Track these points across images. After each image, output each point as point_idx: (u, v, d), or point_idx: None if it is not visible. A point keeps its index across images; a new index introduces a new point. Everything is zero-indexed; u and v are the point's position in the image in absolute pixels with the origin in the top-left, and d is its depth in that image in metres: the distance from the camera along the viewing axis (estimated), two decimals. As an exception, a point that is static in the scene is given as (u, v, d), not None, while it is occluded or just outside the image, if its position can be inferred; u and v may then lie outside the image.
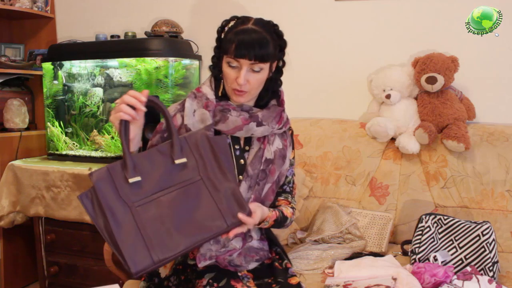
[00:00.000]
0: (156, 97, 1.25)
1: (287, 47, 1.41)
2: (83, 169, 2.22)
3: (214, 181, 1.21)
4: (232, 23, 1.36)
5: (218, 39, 1.39)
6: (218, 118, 1.35)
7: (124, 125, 1.17)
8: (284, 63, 1.43)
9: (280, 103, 1.45)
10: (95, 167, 2.24)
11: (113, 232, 1.12)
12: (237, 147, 1.41)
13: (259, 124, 1.37)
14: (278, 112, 1.42)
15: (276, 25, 1.38)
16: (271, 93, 1.42)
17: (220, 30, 1.38)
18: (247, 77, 1.31)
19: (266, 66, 1.33)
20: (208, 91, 1.40)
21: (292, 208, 1.47)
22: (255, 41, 1.28)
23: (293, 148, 1.52)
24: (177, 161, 1.20)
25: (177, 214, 1.16)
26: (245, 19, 1.35)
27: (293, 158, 1.52)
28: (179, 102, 1.43)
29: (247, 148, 1.42)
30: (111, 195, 1.15)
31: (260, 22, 1.34)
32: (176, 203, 1.17)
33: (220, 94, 1.40)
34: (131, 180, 1.15)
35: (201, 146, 1.23)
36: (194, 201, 1.18)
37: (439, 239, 1.59)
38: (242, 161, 1.40)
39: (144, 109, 1.18)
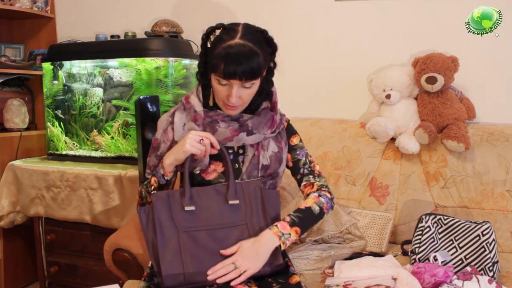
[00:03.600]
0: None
1: (277, 50, 1.36)
2: (83, 169, 2.23)
3: (257, 229, 1.30)
4: (218, 32, 1.32)
5: (204, 46, 1.35)
6: (207, 130, 1.36)
7: (190, 158, 1.31)
8: (275, 64, 1.39)
9: (273, 105, 1.43)
10: (95, 167, 2.24)
11: (158, 247, 1.24)
12: (230, 151, 1.40)
13: (250, 133, 1.36)
14: (270, 117, 1.40)
15: (264, 32, 1.32)
16: (262, 94, 1.40)
17: (205, 38, 1.35)
18: (238, 94, 1.29)
19: (257, 80, 1.31)
20: (195, 102, 1.39)
21: (319, 188, 1.41)
22: (244, 59, 1.23)
23: (296, 133, 1.50)
24: (230, 202, 1.30)
25: (216, 249, 1.26)
26: (231, 31, 1.28)
27: (300, 141, 1.49)
28: (170, 113, 1.42)
29: (241, 151, 1.41)
30: (165, 215, 1.27)
31: (248, 33, 1.27)
32: (218, 240, 1.27)
33: (211, 104, 1.38)
34: (186, 208, 1.28)
35: (254, 195, 1.32)
36: (235, 243, 1.27)
37: (439, 239, 1.59)
38: (236, 165, 1.40)
39: (213, 152, 1.33)
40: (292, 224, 1.30)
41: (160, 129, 1.42)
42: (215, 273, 1.22)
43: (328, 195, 1.41)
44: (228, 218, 1.30)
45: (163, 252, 1.23)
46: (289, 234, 1.28)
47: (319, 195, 1.39)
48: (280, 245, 1.27)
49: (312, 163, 1.48)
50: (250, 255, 1.24)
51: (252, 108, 1.40)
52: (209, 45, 1.33)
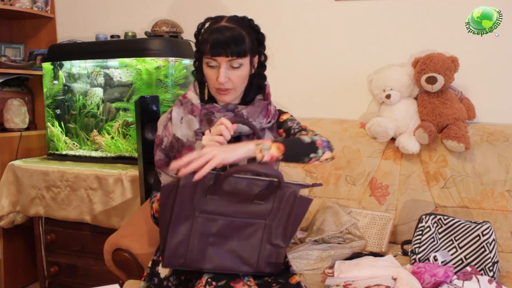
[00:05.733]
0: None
1: (265, 40, 1.40)
2: (83, 169, 2.23)
3: (273, 233, 1.27)
4: (207, 24, 1.38)
5: (197, 43, 1.40)
6: (204, 122, 1.37)
7: None
8: (266, 57, 1.43)
9: (266, 97, 1.45)
10: (95, 167, 2.24)
11: (170, 224, 1.20)
12: None
13: (245, 122, 1.37)
14: (264, 106, 1.42)
15: (251, 20, 1.39)
16: (256, 88, 1.43)
17: (197, 34, 1.40)
18: (227, 75, 1.32)
19: (245, 61, 1.33)
20: (192, 96, 1.42)
21: (315, 135, 1.35)
22: (230, 37, 1.29)
23: (285, 112, 1.49)
24: (255, 201, 1.24)
25: (224, 240, 1.25)
26: (218, 18, 1.37)
27: (290, 116, 1.47)
28: (169, 111, 1.45)
29: None
30: (187, 195, 1.21)
31: (233, 18, 1.36)
32: (231, 231, 1.25)
33: (206, 98, 1.41)
34: (208, 197, 1.22)
35: (286, 199, 1.26)
36: (245, 239, 1.26)
37: (439, 239, 1.59)
38: None
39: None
40: (274, 141, 1.24)
41: (161, 126, 1.44)
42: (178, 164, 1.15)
43: (325, 139, 1.34)
44: (249, 214, 1.25)
45: (173, 230, 1.20)
46: (269, 146, 1.21)
47: (317, 139, 1.33)
48: (257, 155, 1.19)
49: (302, 125, 1.44)
50: (221, 147, 1.19)
51: (247, 100, 1.43)
52: (200, 38, 1.38)
